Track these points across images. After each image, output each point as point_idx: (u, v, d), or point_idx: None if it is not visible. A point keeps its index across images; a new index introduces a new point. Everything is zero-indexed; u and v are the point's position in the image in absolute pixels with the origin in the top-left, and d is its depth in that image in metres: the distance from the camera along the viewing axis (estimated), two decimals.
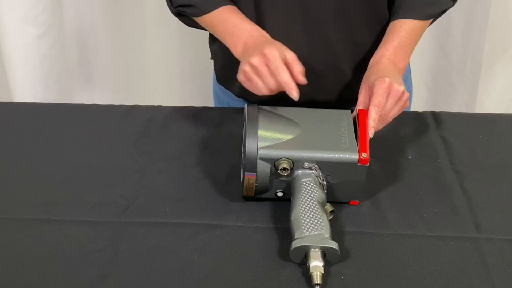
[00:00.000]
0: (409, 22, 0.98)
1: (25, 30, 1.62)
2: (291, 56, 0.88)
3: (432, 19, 1.02)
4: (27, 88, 1.71)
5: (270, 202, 0.89)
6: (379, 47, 0.98)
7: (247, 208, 0.88)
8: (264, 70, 0.86)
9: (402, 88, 0.88)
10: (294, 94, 0.85)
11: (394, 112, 0.90)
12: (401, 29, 0.98)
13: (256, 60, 0.87)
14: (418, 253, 0.81)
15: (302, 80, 0.87)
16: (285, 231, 0.83)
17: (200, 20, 1.02)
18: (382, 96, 0.87)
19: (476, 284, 0.76)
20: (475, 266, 0.79)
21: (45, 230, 0.84)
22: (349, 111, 0.93)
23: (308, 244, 0.76)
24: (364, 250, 0.81)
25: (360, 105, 0.91)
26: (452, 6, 1.03)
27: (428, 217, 0.87)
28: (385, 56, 0.95)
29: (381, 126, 0.90)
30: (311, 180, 0.84)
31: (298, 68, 0.87)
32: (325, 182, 0.85)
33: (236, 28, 0.97)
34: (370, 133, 0.87)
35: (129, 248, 0.81)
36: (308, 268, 0.75)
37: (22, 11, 1.59)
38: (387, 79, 0.88)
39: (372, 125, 0.87)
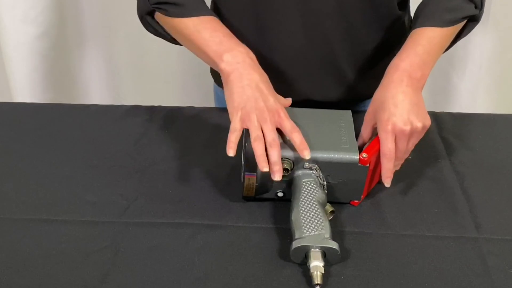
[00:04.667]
0: (428, 30, 0.92)
1: (25, 30, 1.63)
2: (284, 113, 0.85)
3: (460, 30, 0.97)
4: (27, 88, 1.71)
5: (270, 202, 0.89)
6: (394, 57, 0.93)
7: (247, 208, 0.88)
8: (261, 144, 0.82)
9: (407, 127, 0.84)
10: (276, 178, 0.81)
11: (410, 146, 0.88)
12: (419, 37, 0.92)
13: (254, 133, 0.82)
14: (418, 253, 0.81)
15: (307, 154, 0.82)
16: (285, 231, 0.83)
17: (177, 23, 0.94)
18: (390, 143, 0.84)
19: (476, 284, 0.76)
20: (475, 266, 0.79)
21: (45, 230, 0.85)
22: (349, 111, 0.93)
23: (308, 244, 0.76)
24: (364, 250, 0.81)
25: (361, 139, 0.90)
26: (476, 13, 0.96)
27: (428, 217, 0.87)
28: (399, 67, 0.89)
29: (400, 163, 0.90)
30: (312, 180, 0.84)
31: (299, 138, 0.83)
32: (325, 182, 0.84)
33: (226, 38, 0.90)
34: (386, 184, 0.86)
35: (129, 248, 0.81)
36: (308, 268, 0.75)
37: (22, 11, 1.60)
38: (389, 125, 0.84)
39: (388, 175, 0.85)
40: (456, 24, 0.94)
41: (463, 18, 0.95)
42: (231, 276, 0.77)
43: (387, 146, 0.84)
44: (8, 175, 0.96)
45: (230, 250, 0.81)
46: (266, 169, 0.81)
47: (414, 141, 0.88)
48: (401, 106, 0.86)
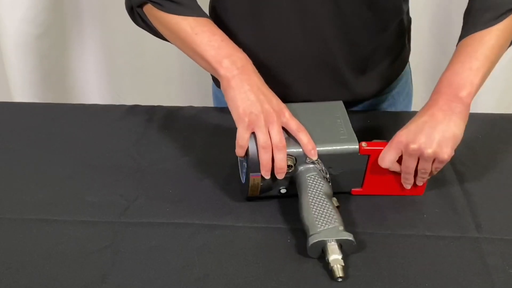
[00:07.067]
0: (470, 39, 0.88)
1: (25, 30, 1.63)
2: (288, 114, 0.85)
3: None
4: (27, 88, 1.71)
5: (270, 202, 0.89)
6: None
7: (247, 208, 0.88)
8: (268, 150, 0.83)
9: (413, 146, 0.81)
10: (279, 177, 0.84)
11: (420, 169, 0.84)
12: (461, 53, 0.87)
13: (262, 140, 0.82)
14: (418, 253, 0.81)
15: (314, 154, 0.83)
16: (285, 231, 0.83)
17: (173, 23, 0.92)
18: (387, 151, 0.84)
19: (476, 284, 0.76)
20: (475, 266, 0.79)
21: (45, 230, 0.84)
22: (341, 102, 0.93)
23: (324, 239, 0.76)
24: (364, 250, 0.81)
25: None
26: None
27: (428, 217, 0.87)
28: (439, 90, 0.86)
29: (409, 183, 0.87)
30: (315, 174, 0.84)
31: (305, 138, 0.84)
32: (328, 175, 0.84)
33: (225, 43, 0.89)
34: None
35: (129, 248, 0.81)
36: (327, 263, 0.75)
37: (22, 11, 1.60)
38: (397, 137, 0.83)
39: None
40: (501, 19, 0.88)
41: (508, 11, 0.88)
42: (231, 276, 0.77)
43: (382, 153, 0.84)
44: (8, 175, 0.96)
45: (230, 250, 0.81)
46: (268, 177, 0.83)
47: (424, 166, 0.84)
48: (421, 126, 0.83)
